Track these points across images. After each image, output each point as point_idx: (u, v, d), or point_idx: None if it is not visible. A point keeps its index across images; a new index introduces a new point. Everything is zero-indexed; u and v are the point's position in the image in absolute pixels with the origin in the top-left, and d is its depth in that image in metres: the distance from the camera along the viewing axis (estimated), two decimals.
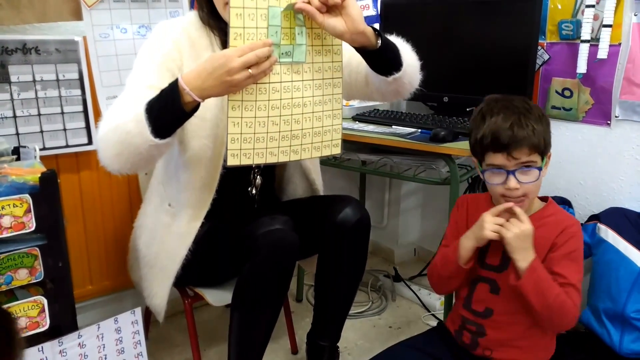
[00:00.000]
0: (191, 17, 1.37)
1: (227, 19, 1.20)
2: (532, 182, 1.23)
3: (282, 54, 1.18)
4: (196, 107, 1.17)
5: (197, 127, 1.32)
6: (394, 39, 1.33)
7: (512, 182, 1.21)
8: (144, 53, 1.32)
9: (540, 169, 1.23)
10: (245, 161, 1.21)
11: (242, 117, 1.18)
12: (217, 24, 1.34)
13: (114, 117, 1.20)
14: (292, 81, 1.22)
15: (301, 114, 1.25)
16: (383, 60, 1.28)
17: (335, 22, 1.17)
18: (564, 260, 1.24)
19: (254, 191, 1.48)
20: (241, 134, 1.19)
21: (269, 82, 1.18)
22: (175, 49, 1.31)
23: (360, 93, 1.46)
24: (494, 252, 1.30)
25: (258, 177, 1.47)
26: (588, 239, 1.62)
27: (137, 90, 1.25)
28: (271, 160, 1.25)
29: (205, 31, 1.35)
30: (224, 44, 1.34)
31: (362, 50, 1.25)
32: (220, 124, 1.33)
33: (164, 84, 1.22)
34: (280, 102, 1.21)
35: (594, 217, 1.65)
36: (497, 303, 1.31)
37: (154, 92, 1.20)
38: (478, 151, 1.26)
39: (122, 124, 1.16)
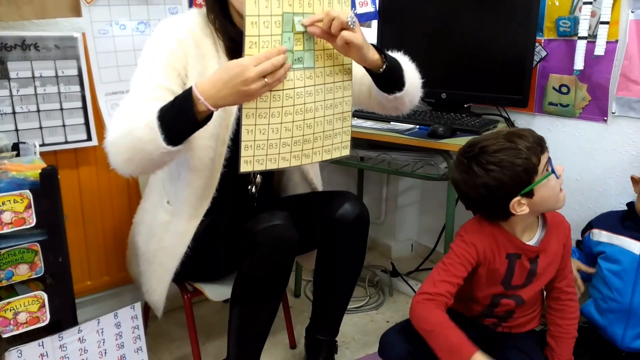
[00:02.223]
0: (195, 16, 1.36)
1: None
2: None
3: (295, 60, 1.19)
4: (209, 116, 1.17)
5: None
6: (399, 56, 1.37)
7: (560, 167, 1.30)
8: (148, 52, 1.31)
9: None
10: (258, 167, 1.22)
11: (255, 125, 1.18)
12: (223, 29, 1.33)
13: (124, 121, 1.20)
14: (304, 86, 1.22)
15: (313, 119, 1.26)
16: (387, 81, 1.31)
17: (341, 48, 1.20)
18: (568, 253, 1.42)
19: (253, 189, 1.49)
20: (254, 140, 1.19)
21: (283, 89, 1.19)
22: (180, 48, 1.30)
23: (362, 103, 1.50)
24: (520, 275, 1.36)
25: (258, 176, 1.48)
26: (586, 249, 1.64)
27: (143, 90, 1.24)
28: (283, 165, 1.26)
29: (209, 30, 1.34)
30: (229, 50, 1.33)
31: (367, 69, 1.30)
32: (222, 123, 1.34)
33: (171, 83, 1.22)
34: (294, 108, 1.22)
35: (588, 227, 1.65)
36: (519, 309, 1.42)
37: (161, 92, 1.20)
38: (531, 167, 1.24)
39: (133, 130, 1.16)
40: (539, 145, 1.25)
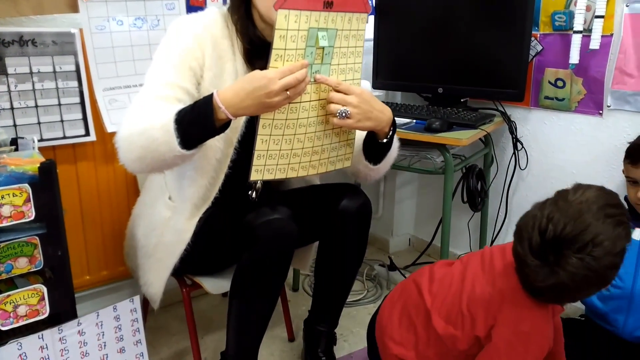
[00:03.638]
0: (215, 15, 1.33)
1: (273, 19, 1.15)
2: None
3: (313, 73, 1.20)
4: (227, 123, 1.17)
5: None
6: (395, 141, 1.41)
7: None
8: (163, 48, 1.28)
9: None
10: (268, 176, 1.24)
11: (270, 135, 1.19)
12: (244, 30, 1.31)
13: (139, 118, 1.19)
14: (319, 99, 1.24)
15: (323, 131, 1.28)
16: (370, 149, 1.38)
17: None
18: None
19: (254, 195, 1.49)
20: (267, 150, 1.20)
21: (300, 102, 1.20)
22: (198, 47, 1.27)
23: None
24: None
25: (259, 182, 1.48)
26: None
27: (158, 88, 1.23)
28: (291, 175, 1.28)
29: (227, 31, 1.32)
30: (246, 52, 1.32)
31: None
32: (231, 125, 1.33)
33: (185, 82, 1.22)
34: (307, 120, 1.24)
35: None
36: None
37: (175, 91, 1.21)
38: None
39: (148, 130, 1.16)
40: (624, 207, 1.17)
